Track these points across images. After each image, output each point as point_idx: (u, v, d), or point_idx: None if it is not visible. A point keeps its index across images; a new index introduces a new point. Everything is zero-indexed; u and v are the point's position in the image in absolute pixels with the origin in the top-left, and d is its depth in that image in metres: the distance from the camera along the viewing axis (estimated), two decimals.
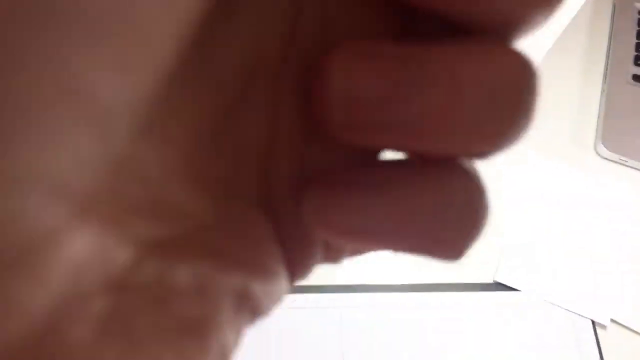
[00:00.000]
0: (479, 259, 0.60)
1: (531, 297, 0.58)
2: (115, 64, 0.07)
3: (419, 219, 0.11)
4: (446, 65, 0.09)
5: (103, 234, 0.09)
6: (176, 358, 0.09)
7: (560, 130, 0.70)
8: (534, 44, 0.58)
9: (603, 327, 0.58)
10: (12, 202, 0.07)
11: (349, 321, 0.56)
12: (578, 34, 0.77)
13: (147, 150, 0.10)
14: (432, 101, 0.09)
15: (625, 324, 0.58)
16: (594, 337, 0.57)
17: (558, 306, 0.58)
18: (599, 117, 0.70)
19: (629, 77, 0.72)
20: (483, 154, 0.11)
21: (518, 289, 0.58)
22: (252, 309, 0.11)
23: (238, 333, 0.11)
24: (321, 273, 0.58)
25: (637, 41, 0.75)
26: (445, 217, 0.10)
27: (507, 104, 0.10)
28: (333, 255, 0.13)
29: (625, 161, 0.66)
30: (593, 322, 0.58)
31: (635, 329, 0.58)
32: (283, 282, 0.12)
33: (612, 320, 0.58)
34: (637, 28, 0.77)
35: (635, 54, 0.74)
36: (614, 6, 0.80)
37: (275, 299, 0.12)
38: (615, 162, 0.67)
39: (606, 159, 0.67)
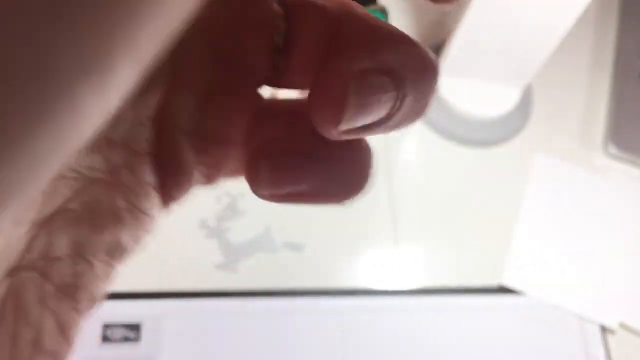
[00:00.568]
0: (484, 263, 0.59)
1: (537, 301, 0.57)
2: None
3: (335, 180, 0.14)
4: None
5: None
6: (54, 322, 0.11)
7: (568, 130, 0.68)
8: (541, 39, 0.57)
9: (611, 331, 0.56)
10: None
11: (350, 325, 0.55)
12: (585, 31, 0.76)
13: None
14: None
15: (634, 328, 0.57)
16: (602, 341, 0.56)
17: (565, 310, 0.57)
18: (607, 115, 0.69)
19: (637, 75, 0.70)
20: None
21: (523, 292, 0.57)
22: (122, 256, 0.13)
23: (109, 280, 0.13)
24: (322, 277, 0.57)
25: None
26: (347, 177, 0.14)
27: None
28: (209, 181, 0.16)
29: (635, 160, 0.65)
30: (601, 326, 0.56)
31: None
32: (153, 224, 0.14)
33: (621, 325, 0.57)
34: None
35: None
36: (622, 2, 0.78)
37: (143, 241, 0.14)
38: (625, 161, 0.65)
39: (615, 158, 0.66)
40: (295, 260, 0.57)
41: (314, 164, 0.14)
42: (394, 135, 0.65)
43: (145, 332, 0.51)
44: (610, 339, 0.56)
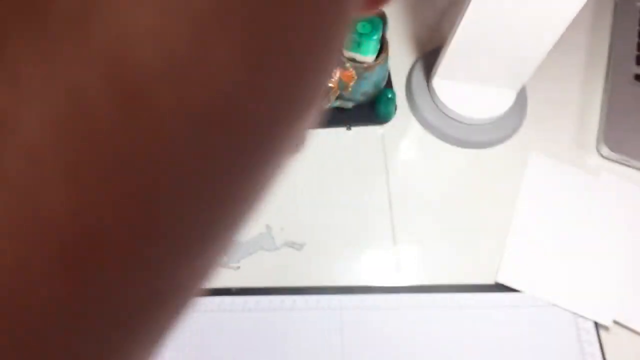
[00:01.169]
0: (480, 261, 0.60)
1: (532, 298, 0.58)
2: None
3: None
4: None
5: None
6: None
7: (562, 131, 0.69)
8: (535, 43, 0.58)
9: (606, 328, 0.57)
10: None
11: (350, 322, 0.56)
12: (579, 33, 0.77)
13: None
14: None
15: (628, 325, 0.57)
16: (596, 338, 0.57)
17: (560, 307, 0.58)
18: (600, 117, 0.70)
19: (631, 77, 0.71)
20: None
21: (519, 290, 0.58)
22: None
23: None
24: (321, 275, 0.58)
25: (639, 40, 0.75)
26: None
27: None
28: None
29: (628, 161, 0.66)
30: (596, 324, 0.57)
31: (638, 330, 0.57)
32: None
33: (615, 322, 0.58)
34: (639, 27, 0.76)
35: (637, 53, 0.74)
36: (616, 5, 0.79)
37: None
38: (618, 162, 0.67)
39: (608, 159, 0.67)
40: (295, 259, 0.58)
41: None
42: (392, 138, 0.66)
43: None
44: (605, 335, 0.57)
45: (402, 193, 0.63)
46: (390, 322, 0.56)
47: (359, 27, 0.58)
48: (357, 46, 0.59)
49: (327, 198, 0.62)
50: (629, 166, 0.67)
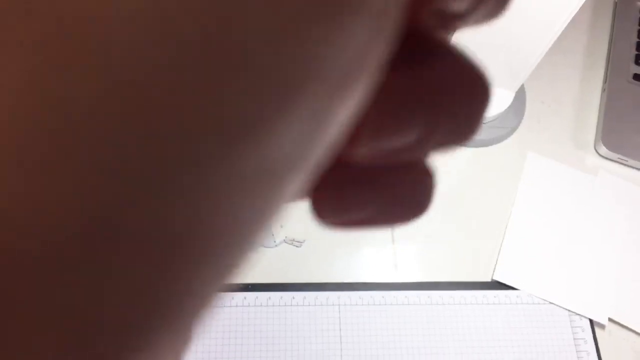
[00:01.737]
0: (478, 259, 0.61)
1: (529, 296, 0.59)
2: None
3: (395, 206, 0.14)
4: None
5: None
6: None
7: (560, 130, 0.70)
8: (532, 43, 0.58)
9: (601, 326, 0.58)
10: None
11: (348, 319, 0.57)
12: (579, 33, 0.77)
13: None
14: None
15: (623, 323, 0.58)
16: (591, 336, 0.57)
17: (556, 305, 0.58)
18: (599, 116, 0.71)
19: (630, 76, 0.72)
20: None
21: (516, 287, 0.59)
22: None
23: None
24: (320, 272, 0.59)
25: (638, 40, 0.75)
26: (411, 200, 0.14)
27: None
28: None
29: (626, 160, 0.66)
30: (591, 322, 0.58)
31: (633, 328, 0.58)
32: None
33: (610, 320, 0.58)
34: (639, 27, 0.77)
35: (636, 52, 0.74)
36: (615, 5, 0.80)
37: None
38: (615, 161, 0.67)
39: (606, 158, 0.67)
40: (294, 256, 0.59)
41: (378, 189, 0.13)
42: None
43: None
44: (600, 334, 0.58)
45: None
46: (388, 319, 0.57)
47: None
48: None
49: None
50: (627, 165, 0.67)
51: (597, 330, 0.58)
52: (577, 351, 0.57)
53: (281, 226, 0.60)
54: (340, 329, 0.56)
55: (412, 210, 0.14)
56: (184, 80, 0.06)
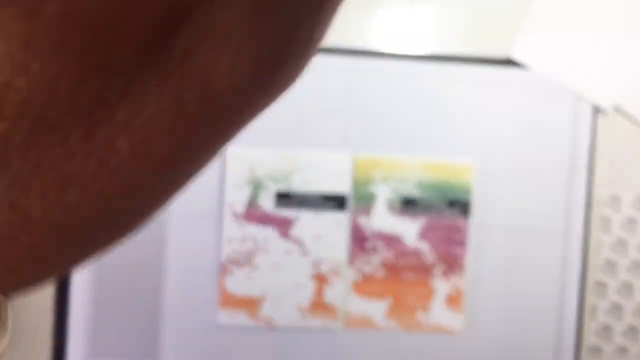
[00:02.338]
0: (496, 34, 0.59)
1: (540, 77, 0.59)
2: None
3: None
4: None
5: None
6: None
7: None
8: None
9: (604, 112, 0.59)
10: None
11: (355, 86, 0.57)
12: None
13: None
14: None
15: (627, 110, 0.59)
16: (590, 120, 0.59)
17: (565, 87, 0.59)
18: None
19: None
20: None
21: (530, 66, 0.58)
22: None
23: None
24: (331, 34, 0.58)
25: None
26: None
27: None
28: None
29: None
30: (594, 109, 0.59)
31: (635, 116, 0.59)
32: None
33: (614, 107, 0.59)
34: None
35: None
36: None
37: None
38: None
39: None
40: None
41: None
42: None
43: None
44: (601, 118, 0.59)
45: None
46: (395, 90, 0.58)
47: None
48: None
49: None
50: None
51: (598, 117, 0.59)
52: (573, 134, 0.59)
53: None
54: (345, 96, 0.57)
55: None
56: None
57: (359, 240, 0.57)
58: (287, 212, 0.56)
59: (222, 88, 0.09)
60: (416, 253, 0.57)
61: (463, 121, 0.58)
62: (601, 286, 0.60)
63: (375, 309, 0.57)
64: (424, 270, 0.58)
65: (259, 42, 0.09)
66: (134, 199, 0.09)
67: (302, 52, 0.10)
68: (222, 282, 0.56)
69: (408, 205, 0.57)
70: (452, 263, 0.58)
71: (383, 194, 0.57)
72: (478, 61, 0.58)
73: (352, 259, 0.57)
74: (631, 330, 0.60)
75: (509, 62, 0.59)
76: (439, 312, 0.58)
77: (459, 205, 0.58)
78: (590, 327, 0.60)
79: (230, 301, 0.56)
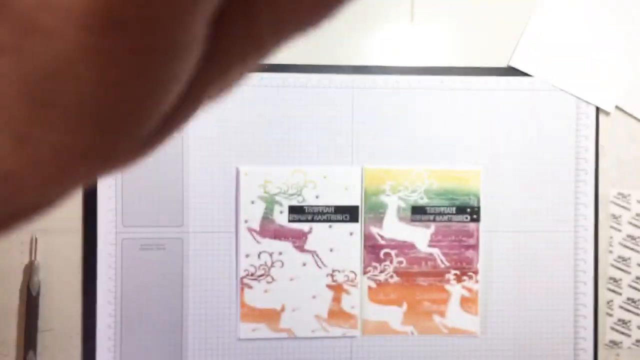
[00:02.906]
0: (496, 45, 0.60)
1: (541, 83, 0.60)
2: None
3: None
4: None
5: None
6: None
7: None
8: None
9: (606, 113, 0.60)
10: None
11: (361, 101, 0.59)
12: None
13: None
14: None
15: (629, 111, 0.60)
16: (595, 122, 0.60)
17: (566, 92, 0.60)
18: None
19: None
20: None
21: (530, 74, 0.60)
22: None
23: None
24: (334, 54, 0.59)
25: None
26: None
27: None
28: None
29: None
30: (597, 109, 0.60)
31: (637, 116, 0.60)
32: None
33: (617, 107, 0.60)
34: None
35: None
36: None
37: None
38: None
39: None
40: (309, 35, 0.60)
41: None
42: None
43: None
44: (604, 120, 0.60)
45: None
46: (400, 102, 0.59)
47: None
48: None
49: None
50: None
51: (601, 117, 0.60)
52: (576, 136, 0.60)
53: None
54: (352, 112, 0.59)
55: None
56: None
57: (372, 249, 0.59)
58: (301, 226, 0.58)
59: None
60: (429, 259, 0.59)
61: (468, 129, 0.60)
62: (615, 282, 0.61)
63: (392, 314, 0.59)
64: (437, 275, 0.59)
65: None
66: None
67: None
68: (241, 296, 0.58)
69: (418, 212, 0.59)
70: (465, 267, 0.59)
71: (393, 203, 0.59)
72: (481, 71, 0.60)
73: (366, 267, 0.59)
74: None
75: (511, 71, 0.60)
76: (455, 316, 0.59)
77: (469, 210, 0.59)
78: (606, 322, 0.60)
79: (250, 314, 0.58)
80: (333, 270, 0.58)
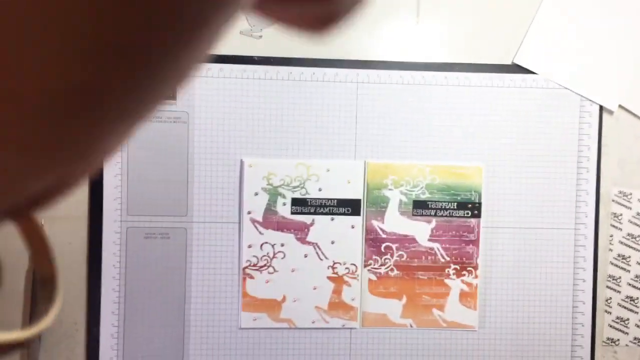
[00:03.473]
0: (501, 42, 0.60)
1: (546, 81, 0.60)
2: None
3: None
4: None
5: None
6: None
7: None
8: None
9: (610, 112, 0.60)
10: None
11: (365, 96, 0.59)
12: None
13: None
14: None
15: (633, 110, 0.60)
16: (598, 121, 0.60)
17: (570, 90, 0.60)
18: None
19: None
20: None
21: (535, 71, 0.60)
22: None
23: None
24: (339, 48, 0.59)
25: None
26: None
27: None
28: None
29: None
30: (601, 108, 0.60)
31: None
32: None
33: (620, 106, 0.60)
34: None
35: None
36: None
37: None
38: None
39: None
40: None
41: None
42: None
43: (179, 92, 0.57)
44: (607, 119, 0.60)
45: None
46: (403, 98, 0.59)
47: None
48: None
49: None
50: None
51: (605, 116, 0.60)
52: (579, 134, 0.60)
53: None
54: (356, 106, 0.59)
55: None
56: None
57: (374, 242, 0.59)
58: (304, 218, 0.59)
59: None
60: (429, 253, 0.60)
61: (471, 126, 0.60)
62: (614, 280, 0.61)
63: (391, 307, 0.59)
64: (437, 270, 0.60)
65: None
66: None
67: None
68: (243, 286, 0.59)
69: (420, 207, 0.60)
70: (465, 262, 0.60)
71: (395, 198, 0.59)
72: (485, 68, 0.60)
73: (367, 260, 0.59)
74: None
75: (515, 68, 0.60)
76: (454, 310, 0.60)
77: (470, 206, 0.60)
78: (604, 319, 0.61)
79: (251, 304, 0.59)
80: (334, 263, 0.59)
